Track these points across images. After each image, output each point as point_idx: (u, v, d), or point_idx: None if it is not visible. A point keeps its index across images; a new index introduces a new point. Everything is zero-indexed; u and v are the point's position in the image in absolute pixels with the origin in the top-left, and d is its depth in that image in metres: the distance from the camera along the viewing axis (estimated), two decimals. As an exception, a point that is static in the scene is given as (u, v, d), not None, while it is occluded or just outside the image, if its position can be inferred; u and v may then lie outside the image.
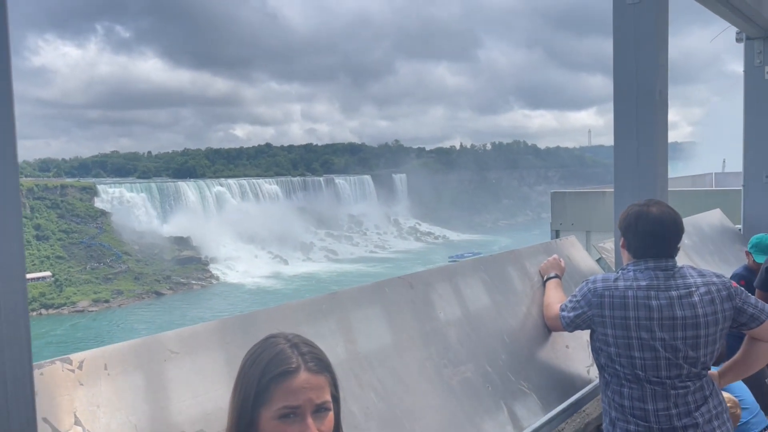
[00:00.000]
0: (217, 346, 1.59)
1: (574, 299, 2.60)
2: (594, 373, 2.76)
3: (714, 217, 5.74)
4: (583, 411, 3.28)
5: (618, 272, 2.58)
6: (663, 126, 3.35)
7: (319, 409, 1.24)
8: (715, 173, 18.62)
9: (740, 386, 3.56)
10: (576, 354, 2.77)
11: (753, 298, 2.51)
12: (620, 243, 2.65)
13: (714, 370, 2.65)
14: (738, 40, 5.73)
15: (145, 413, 1.40)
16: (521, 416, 2.26)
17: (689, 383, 2.41)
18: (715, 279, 2.50)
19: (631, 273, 2.51)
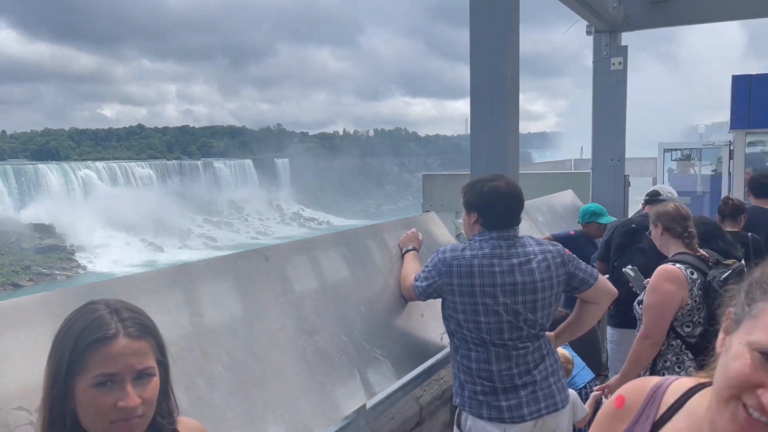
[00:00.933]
0: (44, 319, 1.50)
1: (426, 269, 2.72)
2: (447, 340, 2.90)
3: (566, 197, 6.20)
4: (441, 378, 3.44)
5: (466, 243, 2.73)
6: (514, 108, 3.56)
7: (141, 375, 1.20)
8: (574, 159, 20.14)
9: (566, 345, 3.92)
10: (430, 322, 2.90)
11: (583, 264, 2.76)
12: (465, 216, 2.80)
13: (550, 333, 2.88)
14: (588, 33, 6.20)
15: (-44, 391, 1.30)
16: (374, 382, 2.34)
17: (528, 344, 2.61)
18: (551, 247, 2.72)
19: (477, 243, 2.66)
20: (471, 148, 3.64)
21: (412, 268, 2.87)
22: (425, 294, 2.70)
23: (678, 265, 3.09)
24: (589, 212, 5.15)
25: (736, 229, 4.90)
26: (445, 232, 3.52)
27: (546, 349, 2.66)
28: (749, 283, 0.99)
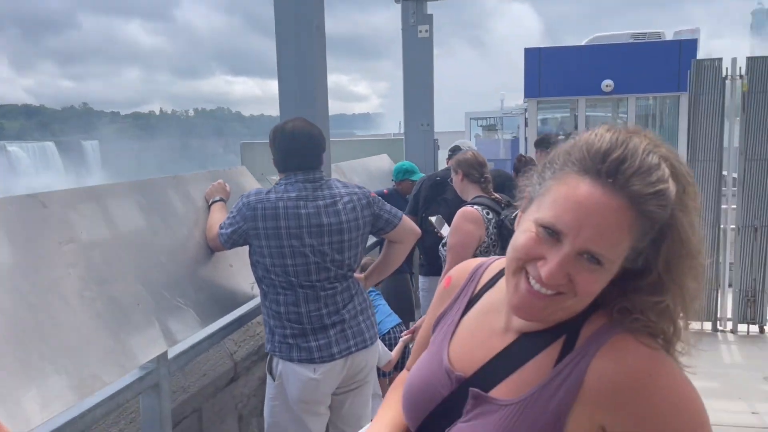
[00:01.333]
0: None
1: (231, 215, 2.64)
2: (258, 289, 2.85)
3: (382, 160, 6.40)
4: (257, 334, 3.39)
5: (272, 187, 2.70)
6: (321, 58, 3.57)
7: None
8: (393, 133, 21.01)
9: (378, 296, 4.10)
10: (240, 271, 2.82)
11: (388, 206, 2.86)
12: (273, 161, 2.76)
13: (360, 275, 2.96)
14: (396, 0, 6.39)
15: None
16: (176, 330, 2.22)
17: (336, 284, 2.65)
18: (356, 190, 2.77)
19: (283, 186, 2.64)
20: (279, 96, 3.59)
21: (218, 218, 2.77)
22: (231, 241, 2.62)
23: (475, 206, 3.35)
24: (402, 170, 5.38)
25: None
26: (257, 185, 3.44)
27: (355, 289, 2.72)
28: (543, 164, 1.05)
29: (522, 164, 5.42)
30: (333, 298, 2.61)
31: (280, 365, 2.59)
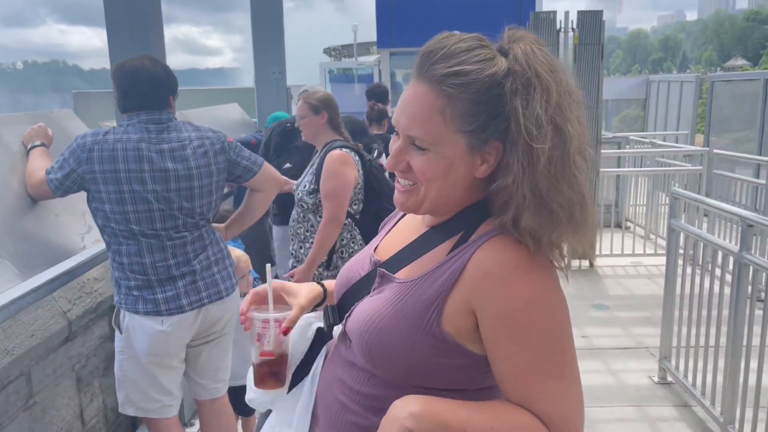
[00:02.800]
0: None
1: (62, 158, 2.41)
2: (89, 240, 2.65)
3: (232, 109, 6.15)
4: (95, 291, 3.16)
5: (111, 128, 2.48)
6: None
7: None
8: (248, 87, 20.42)
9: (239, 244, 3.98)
10: (68, 222, 2.60)
11: (247, 152, 2.71)
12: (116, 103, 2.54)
13: (220, 225, 2.83)
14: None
15: None
16: (-11, 284, 2.00)
17: (186, 234, 2.51)
18: (210, 134, 2.61)
19: (123, 128, 2.44)
20: (107, 26, 3.29)
21: (41, 164, 2.50)
22: (63, 187, 2.38)
23: (344, 149, 3.29)
24: (274, 119, 5.18)
25: (381, 132, 5.49)
26: (84, 129, 3.16)
27: (209, 239, 2.59)
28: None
29: (374, 113, 5.46)
30: (182, 248, 2.48)
31: (127, 318, 2.44)
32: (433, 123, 1.07)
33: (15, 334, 2.51)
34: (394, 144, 1.15)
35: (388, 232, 1.36)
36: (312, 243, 3.34)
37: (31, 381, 2.57)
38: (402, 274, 1.18)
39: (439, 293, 1.09)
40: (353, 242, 3.41)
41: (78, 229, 2.61)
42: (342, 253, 3.38)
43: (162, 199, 2.41)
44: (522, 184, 1.06)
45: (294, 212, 3.45)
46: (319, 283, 1.41)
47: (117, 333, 2.51)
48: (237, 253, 3.38)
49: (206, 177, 2.54)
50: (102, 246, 2.81)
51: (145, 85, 2.46)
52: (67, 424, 2.82)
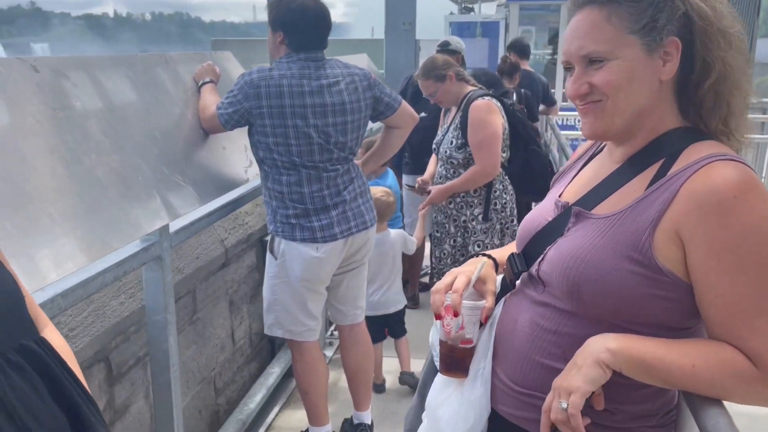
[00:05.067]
0: None
1: (231, 94, 2.57)
2: (251, 173, 2.83)
3: (360, 60, 6.23)
4: (246, 223, 3.39)
5: (273, 64, 2.62)
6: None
7: None
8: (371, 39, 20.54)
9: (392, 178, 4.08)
10: (233, 155, 2.78)
11: (388, 89, 2.79)
12: (270, 35, 2.67)
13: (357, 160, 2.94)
14: None
15: None
16: (177, 205, 2.20)
17: (338, 166, 2.64)
18: (357, 71, 2.71)
19: (285, 64, 2.56)
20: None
21: (212, 99, 2.68)
22: (231, 121, 2.56)
23: (486, 98, 3.27)
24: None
25: (512, 86, 5.38)
26: (242, 71, 3.34)
27: (354, 172, 2.72)
28: None
29: (507, 66, 5.35)
30: (335, 180, 2.61)
31: (283, 244, 2.60)
32: (604, 32, 1.10)
33: (184, 255, 2.76)
34: (570, 78, 1.17)
35: (571, 180, 1.33)
36: (460, 199, 3.33)
37: (195, 299, 2.83)
38: (600, 210, 1.17)
39: (648, 223, 1.08)
40: (505, 192, 3.35)
41: (242, 163, 2.79)
42: (495, 204, 3.32)
43: (322, 134, 2.54)
44: (722, 74, 1.11)
45: (441, 169, 3.43)
46: (486, 255, 1.41)
47: (271, 259, 2.69)
48: (382, 188, 3.47)
49: (357, 112, 2.65)
50: (254, 183, 3.00)
51: (310, 28, 2.56)
52: (221, 341, 3.09)
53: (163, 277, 2.15)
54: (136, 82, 2.41)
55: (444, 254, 3.43)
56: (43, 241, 1.60)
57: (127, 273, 2.01)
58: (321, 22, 2.58)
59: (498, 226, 3.35)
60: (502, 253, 1.43)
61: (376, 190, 3.37)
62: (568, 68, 1.17)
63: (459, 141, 3.27)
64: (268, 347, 3.68)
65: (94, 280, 1.80)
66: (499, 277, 1.42)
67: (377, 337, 3.38)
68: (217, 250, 3.02)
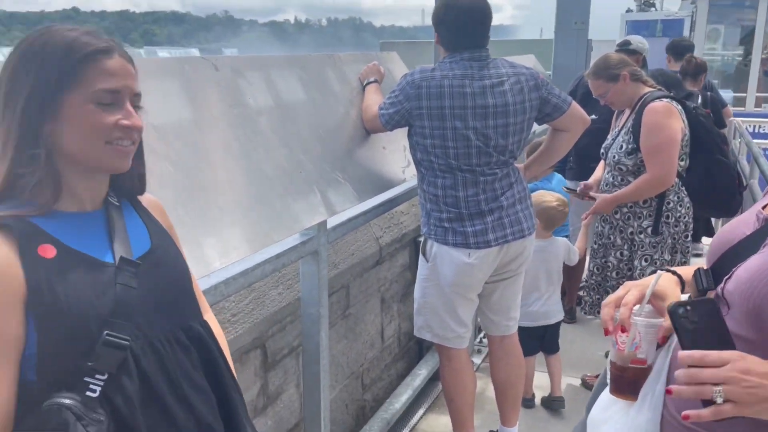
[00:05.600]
0: None
1: (393, 95, 2.57)
2: (409, 173, 2.82)
3: (527, 60, 6.03)
4: (401, 222, 3.39)
5: (435, 64, 2.58)
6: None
7: (136, 102, 1.10)
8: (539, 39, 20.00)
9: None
10: (392, 155, 2.79)
11: (557, 90, 2.63)
12: (435, 39, 2.63)
13: (519, 164, 2.82)
14: None
15: None
16: (335, 202, 2.24)
17: (497, 170, 2.53)
18: (524, 70, 2.58)
19: (447, 64, 2.51)
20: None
21: (375, 99, 2.71)
22: (392, 122, 2.56)
23: (665, 100, 3.00)
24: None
25: (696, 88, 4.89)
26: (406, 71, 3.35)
27: (514, 177, 2.60)
28: None
29: (692, 67, 4.87)
30: (492, 185, 2.51)
31: (435, 248, 2.56)
32: None
33: (340, 250, 2.82)
34: None
35: None
36: (627, 209, 3.07)
37: (349, 294, 2.89)
38: None
39: None
40: (680, 205, 3.02)
41: (400, 163, 2.79)
42: (667, 217, 3.01)
43: (480, 136, 2.45)
44: None
45: (607, 176, 3.18)
46: (669, 271, 1.27)
47: (423, 261, 2.65)
48: (558, 196, 3.30)
49: (521, 113, 2.52)
50: (411, 183, 2.99)
51: (475, 23, 2.49)
52: (371, 338, 3.12)
53: (318, 271, 2.20)
54: (306, 82, 2.50)
55: (609, 266, 3.18)
56: (211, 230, 1.70)
57: (285, 265, 2.08)
58: (478, 16, 2.50)
59: (669, 242, 3.02)
60: (689, 270, 1.28)
61: (551, 198, 3.21)
62: None
63: (630, 146, 2.99)
64: (416, 348, 3.67)
65: (254, 270, 1.88)
66: (684, 297, 1.27)
67: (531, 349, 3.22)
68: (372, 247, 3.06)
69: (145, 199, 1.27)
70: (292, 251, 2.07)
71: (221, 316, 2.06)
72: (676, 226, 3.02)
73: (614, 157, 3.07)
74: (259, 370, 2.30)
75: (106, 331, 0.98)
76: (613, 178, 3.11)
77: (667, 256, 3.04)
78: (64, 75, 1.02)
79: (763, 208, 1.15)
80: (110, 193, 1.17)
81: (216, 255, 1.67)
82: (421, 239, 2.68)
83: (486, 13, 2.51)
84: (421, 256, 2.67)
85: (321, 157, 2.32)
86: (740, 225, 1.17)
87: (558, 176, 3.96)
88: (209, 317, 1.33)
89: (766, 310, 0.98)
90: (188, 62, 2.01)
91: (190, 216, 1.66)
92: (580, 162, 4.23)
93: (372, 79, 2.84)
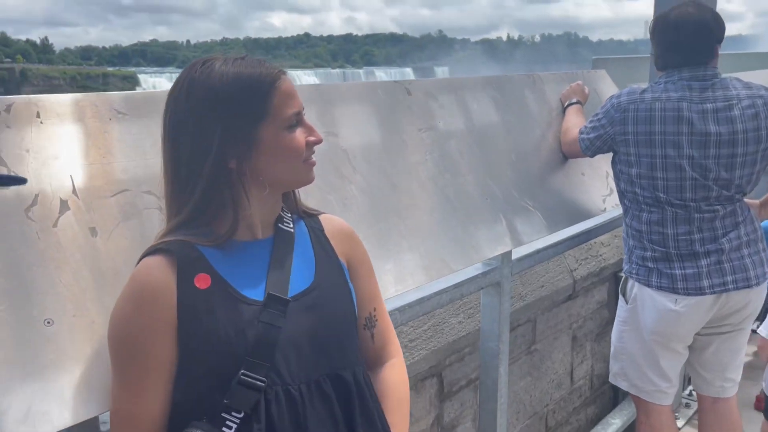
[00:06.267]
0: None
1: (595, 118, 2.37)
2: (610, 203, 2.57)
3: (766, 76, 5.25)
4: (600, 255, 3.12)
5: (648, 85, 2.32)
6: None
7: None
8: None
9: None
10: (592, 182, 2.57)
11: None
12: (653, 60, 2.37)
13: (755, 201, 2.43)
14: None
15: (83, 166, 1.27)
16: (522, 231, 2.11)
17: (718, 207, 2.18)
18: (763, 92, 2.20)
19: (662, 85, 2.24)
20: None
21: (576, 122, 2.52)
22: (593, 148, 2.36)
23: None
24: None
25: None
26: (616, 91, 3.08)
27: (742, 216, 2.21)
28: None
29: None
30: (711, 223, 2.17)
31: (636, 288, 2.29)
32: None
33: (528, 281, 2.66)
34: None
35: None
36: None
37: (535, 329, 2.71)
38: None
39: None
40: None
41: (600, 191, 2.56)
42: None
43: (697, 167, 2.13)
44: None
45: None
46: None
47: (622, 302, 2.39)
48: None
49: (753, 143, 2.14)
50: (613, 213, 2.72)
51: (691, 37, 2.18)
52: (558, 378, 2.90)
53: (500, 303, 2.08)
54: (501, 103, 2.41)
55: None
56: (389, 255, 1.68)
57: (463, 296, 2.01)
58: (701, 32, 2.17)
59: None
60: None
61: None
62: None
63: None
64: (610, 393, 3.34)
65: (430, 299, 1.83)
66: None
67: None
68: (565, 280, 2.84)
69: (335, 225, 1.25)
70: (472, 281, 1.99)
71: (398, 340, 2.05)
72: None
73: None
74: (435, 400, 2.24)
75: (242, 370, 0.97)
76: None
77: None
78: (257, 110, 1.06)
79: None
80: (285, 216, 1.18)
81: (392, 280, 1.65)
82: (622, 275, 2.42)
83: (703, 24, 2.18)
84: (620, 297, 2.40)
85: (510, 182, 2.21)
86: None
87: None
88: (390, 366, 1.26)
89: None
90: (382, 86, 2.03)
91: (369, 241, 1.66)
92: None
93: (574, 100, 2.65)
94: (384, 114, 1.96)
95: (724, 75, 2.29)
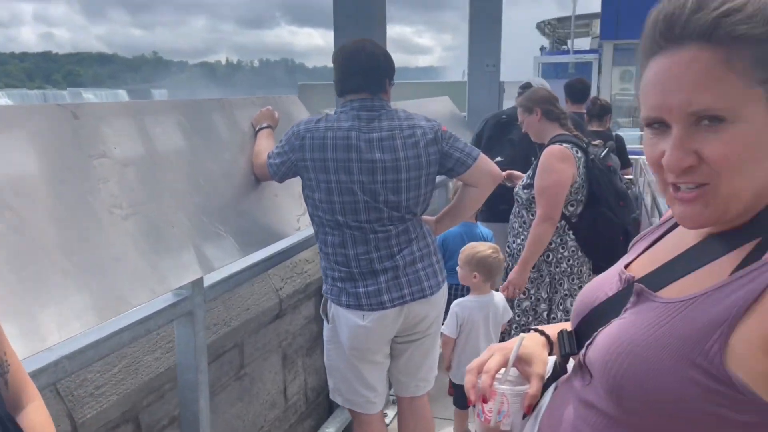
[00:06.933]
0: None
1: (280, 145, 2.45)
2: (304, 222, 2.69)
3: (443, 102, 6.08)
4: (305, 272, 3.24)
5: (324, 114, 2.47)
6: (381, 6, 3.31)
7: None
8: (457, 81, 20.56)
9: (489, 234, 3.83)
10: (285, 203, 2.65)
11: (462, 143, 2.50)
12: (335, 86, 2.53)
13: (430, 218, 2.73)
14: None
15: None
16: (213, 257, 2.07)
17: (391, 227, 2.40)
18: (423, 123, 2.46)
19: (336, 115, 2.41)
20: (335, 26, 3.35)
21: (266, 146, 2.58)
22: (280, 173, 2.43)
23: (564, 144, 3.08)
24: None
25: (602, 129, 5.02)
26: (307, 115, 3.24)
27: (415, 233, 2.46)
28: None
29: (597, 108, 5.01)
30: (386, 242, 2.37)
31: (332, 308, 2.42)
32: (725, 81, 0.82)
33: (233, 306, 2.63)
34: (659, 140, 0.88)
35: (645, 250, 1.09)
36: (524, 239, 3.14)
37: (243, 353, 2.69)
38: (667, 293, 0.91)
39: (723, 320, 0.81)
40: (562, 247, 3.14)
41: (294, 211, 2.66)
42: (548, 257, 3.14)
43: (368, 191, 2.32)
44: None
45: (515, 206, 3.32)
46: (538, 331, 1.18)
47: (325, 322, 2.51)
48: (490, 245, 3.21)
49: (415, 169, 2.40)
50: (309, 231, 2.85)
51: (364, 65, 2.40)
52: (271, 398, 2.92)
53: (194, 333, 2.01)
54: (187, 128, 2.35)
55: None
56: (49, 299, 1.50)
57: (150, 331, 1.89)
58: (373, 63, 2.40)
59: (547, 279, 3.17)
60: (556, 329, 1.19)
61: (483, 247, 3.13)
62: (655, 125, 0.89)
63: (528, 180, 3.20)
64: (326, 403, 3.48)
65: (107, 340, 1.69)
66: (552, 359, 1.18)
67: (465, 403, 3.09)
68: (271, 300, 2.88)
69: None
70: (160, 314, 1.89)
71: (82, 389, 1.84)
72: (557, 267, 3.14)
73: (516, 189, 3.21)
74: (131, 447, 2.07)
75: None
76: (514, 209, 3.33)
77: (544, 294, 3.17)
78: None
79: (626, 266, 1.07)
80: None
81: (54, 327, 1.47)
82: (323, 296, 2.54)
83: (375, 57, 2.42)
84: (323, 316, 2.52)
85: (199, 208, 2.16)
86: (603, 284, 1.08)
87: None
88: (32, 410, 1.14)
89: (625, 387, 0.87)
90: (40, 110, 1.83)
91: (23, 283, 1.47)
92: (489, 204, 4.21)
93: (265, 125, 2.72)
94: (44, 141, 1.76)
95: (394, 105, 2.55)
